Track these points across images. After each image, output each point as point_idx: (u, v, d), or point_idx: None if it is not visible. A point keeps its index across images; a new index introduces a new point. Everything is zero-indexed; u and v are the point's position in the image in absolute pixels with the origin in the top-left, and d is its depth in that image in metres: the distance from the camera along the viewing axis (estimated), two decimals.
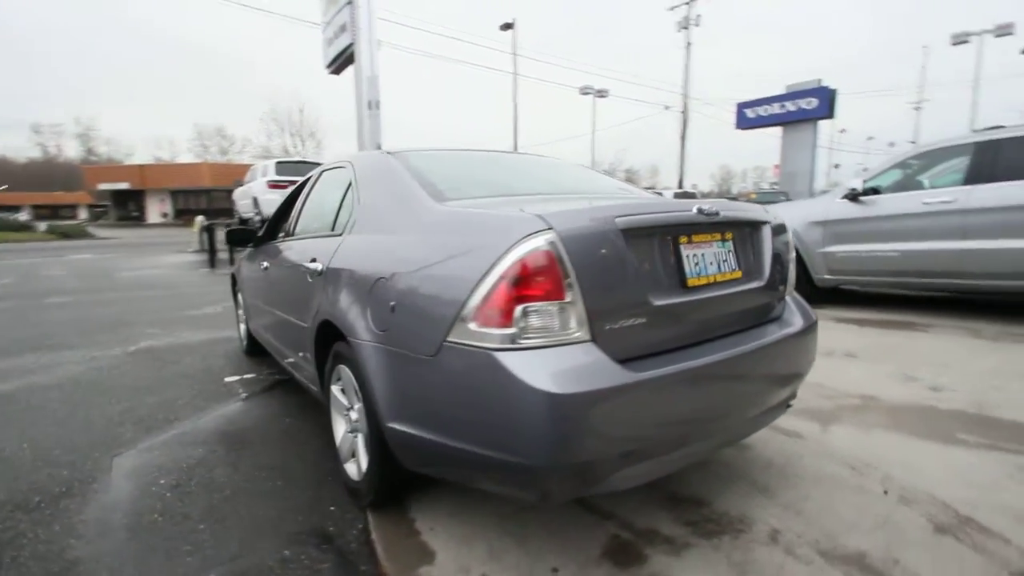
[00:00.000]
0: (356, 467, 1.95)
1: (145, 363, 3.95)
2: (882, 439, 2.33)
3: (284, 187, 11.40)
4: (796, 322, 1.84)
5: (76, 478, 2.21)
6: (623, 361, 1.33)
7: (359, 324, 1.70)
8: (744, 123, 27.77)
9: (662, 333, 1.47)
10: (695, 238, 1.58)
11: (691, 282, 1.53)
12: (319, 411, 2.91)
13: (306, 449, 2.45)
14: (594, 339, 1.32)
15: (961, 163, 4.56)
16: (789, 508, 1.82)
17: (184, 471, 2.26)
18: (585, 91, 26.04)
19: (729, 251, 1.69)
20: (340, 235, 2.07)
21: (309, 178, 3.06)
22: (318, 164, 12.16)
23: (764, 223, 1.84)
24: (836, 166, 54.52)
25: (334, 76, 15.38)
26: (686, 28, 27.68)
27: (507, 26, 21.01)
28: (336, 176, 2.50)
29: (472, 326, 1.31)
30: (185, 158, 46.39)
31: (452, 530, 1.77)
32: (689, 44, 28.19)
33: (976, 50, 21.22)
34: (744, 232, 1.77)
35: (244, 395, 3.21)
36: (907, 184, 4.91)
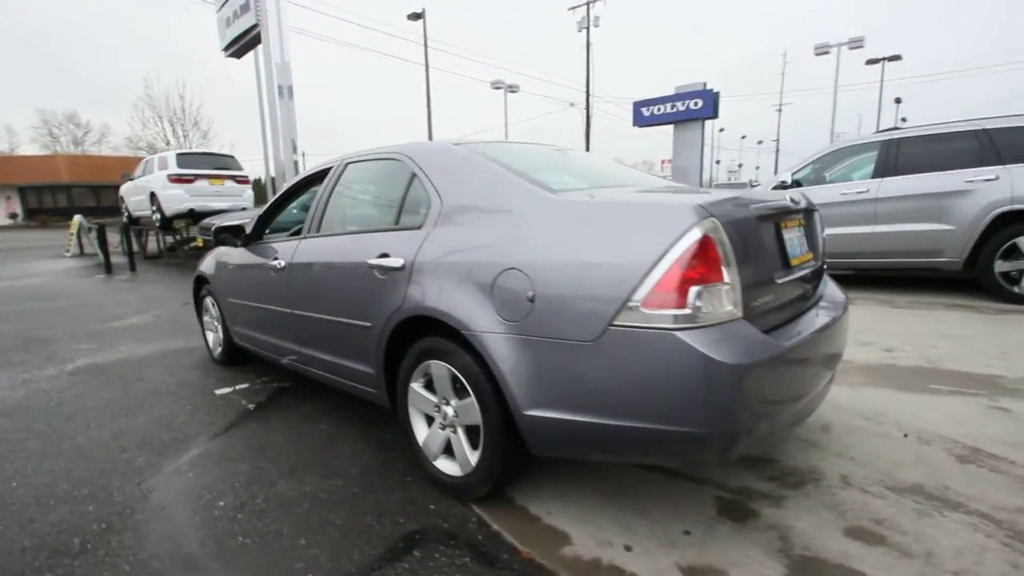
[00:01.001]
0: (454, 463, 1.94)
1: (100, 382, 3.47)
2: (874, 394, 2.74)
3: (189, 181, 10.34)
4: (840, 297, 2.13)
5: (110, 512, 1.95)
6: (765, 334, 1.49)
7: (478, 315, 1.70)
8: (640, 121, 29.54)
9: (779, 309, 1.65)
10: (788, 223, 1.79)
11: (793, 261, 1.74)
12: (353, 413, 2.80)
13: (363, 453, 2.36)
14: (745, 316, 1.46)
15: (870, 158, 5.35)
16: (842, 456, 2.11)
17: (240, 490, 2.08)
18: (496, 85, 26.25)
19: (802, 235, 1.93)
20: (419, 228, 2.02)
21: (317, 174, 2.90)
22: (228, 156, 11.18)
23: (815, 210, 2.10)
24: (717, 162, 60.06)
25: (232, 60, 14.12)
26: (586, 28, 28.94)
27: (416, 16, 20.53)
28: (383, 169, 2.40)
29: (645, 309, 1.39)
30: (29, 149, 39.65)
31: (568, 512, 1.84)
32: (589, 44, 29.53)
33: (835, 59, 24.64)
34: (807, 218, 2.02)
35: (251, 407, 2.97)
36: (827, 177, 5.66)
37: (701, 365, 1.35)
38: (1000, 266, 4.58)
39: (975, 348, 3.37)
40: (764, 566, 1.52)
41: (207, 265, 3.75)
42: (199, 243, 9.40)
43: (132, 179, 11.97)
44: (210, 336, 3.93)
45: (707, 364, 1.34)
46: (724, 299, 1.42)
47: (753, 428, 1.43)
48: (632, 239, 1.45)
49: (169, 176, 10.20)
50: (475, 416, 1.80)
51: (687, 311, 1.37)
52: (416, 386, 2.04)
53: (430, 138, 21.85)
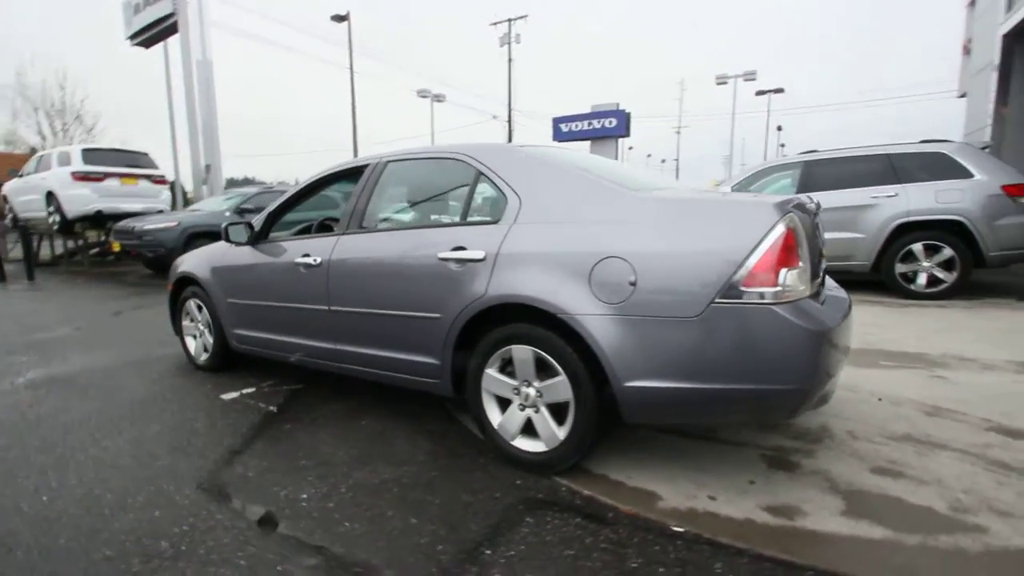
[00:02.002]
0: (535, 441, 2.09)
1: (73, 394, 3.16)
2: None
3: (97, 179, 9.34)
4: (844, 295, 2.54)
5: (185, 514, 1.87)
6: None
7: (576, 300, 1.88)
8: (560, 136, 30.88)
9: (817, 293, 2.00)
10: (816, 220, 2.16)
11: (822, 252, 2.11)
12: (387, 408, 2.83)
13: (420, 443, 2.41)
14: (808, 295, 1.79)
15: (794, 176, 6.18)
16: (840, 417, 2.53)
17: (317, 483, 2.07)
18: (423, 94, 26.16)
19: (821, 232, 2.32)
20: (495, 223, 2.16)
21: (337, 173, 2.93)
22: (142, 154, 10.27)
23: (819, 211, 2.52)
24: None
25: (125, 49, 13.00)
26: (508, 44, 29.79)
27: (340, 18, 20.00)
28: (439, 168, 2.49)
29: (744, 288, 1.67)
30: None
31: (644, 475, 2.06)
32: (511, 60, 30.42)
33: (732, 89, 27.57)
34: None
35: (271, 409, 2.88)
36: (761, 190, 6.44)
37: (793, 332, 1.64)
38: (899, 268, 5.50)
39: (899, 333, 4.06)
40: (825, 500, 1.84)
41: (194, 266, 3.54)
42: (115, 248, 8.51)
43: (20, 176, 10.54)
44: (191, 342, 3.70)
45: (797, 331, 1.64)
46: (800, 280, 1.73)
47: (818, 389, 1.75)
48: (730, 230, 1.73)
49: (73, 174, 9.13)
50: (564, 394, 1.98)
51: (778, 289, 1.66)
52: (492, 371, 2.17)
53: (355, 142, 21.29)
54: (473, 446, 2.37)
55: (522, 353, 2.06)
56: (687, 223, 1.82)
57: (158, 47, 13.74)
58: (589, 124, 29.44)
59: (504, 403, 2.20)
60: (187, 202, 13.12)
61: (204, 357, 3.59)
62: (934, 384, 2.94)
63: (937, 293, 5.36)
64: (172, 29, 11.61)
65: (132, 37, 12.38)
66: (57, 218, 9.45)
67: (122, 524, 1.81)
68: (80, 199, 9.22)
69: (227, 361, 3.53)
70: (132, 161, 9.95)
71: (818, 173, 5.95)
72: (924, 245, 5.37)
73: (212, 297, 3.38)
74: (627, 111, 28.76)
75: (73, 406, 2.96)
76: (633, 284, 1.80)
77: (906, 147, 5.64)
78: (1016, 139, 7.77)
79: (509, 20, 29.83)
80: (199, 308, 3.57)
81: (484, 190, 2.30)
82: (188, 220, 8.40)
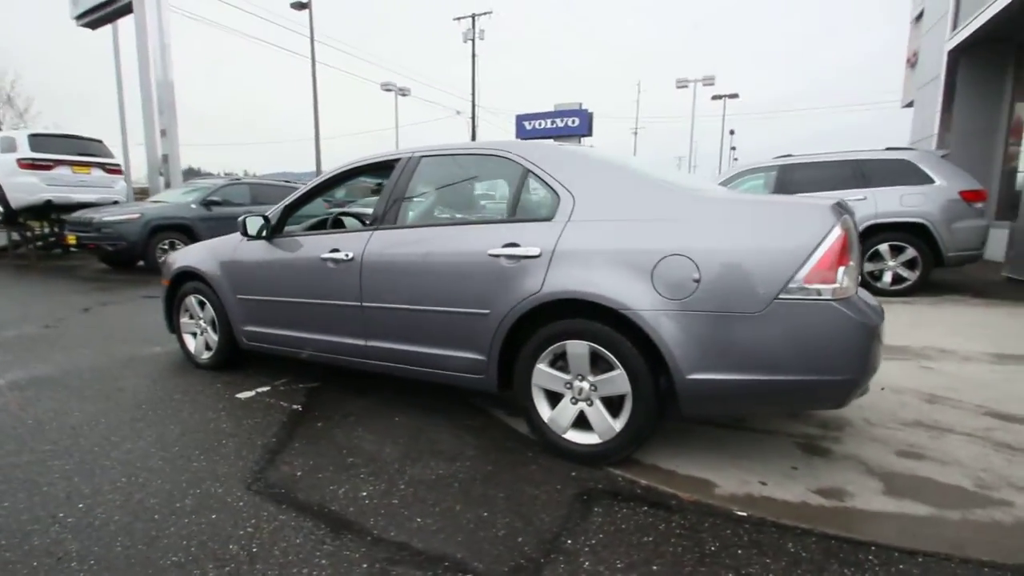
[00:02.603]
0: (589, 433, 2.13)
1: (68, 395, 2.97)
2: None
3: (47, 168, 8.72)
4: (873, 301, 2.70)
5: (245, 516, 1.81)
6: None
7: (638, 296, 1.93)
8: (523, 133, 31.06)
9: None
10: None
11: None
12: (417, 406, 2.82)
13: (464, 439, 2.42)
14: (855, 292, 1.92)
15: (770, 179, 6.48)
16: (853, 405, 2.70)
17: (372, 479, 2.04)
18: (387, 87, 25.61)
19: None
20: (548, 220, 2.19)
21: (359, 168, 2.89)
22: (95, 141, 9.67)
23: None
24: None
25: (86, 30, 12.16)
26: (471, 40, 29.60)
27: (301, 5, 19.31)
28: (481, 165, 2.49)
29: (806, 285, 1.77)
30: None
31: (693, 465, 2.15)
32: (475, 56, 30.26)
33: (692, 92, 28.48)
34: None
35: (296, 407, 2.80)
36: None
37: (850, 326, 1.76)
38: (866, 267, 5.88)
39: None
40: (865, 482, 1.98)
41: (196, 261, 3.38)
42: (70, 241, 7.95)
43: None
44: (190, 340, 3.53)
45: (854, 326, 1.76)
46: (851, 278, 1.85)
47: (866, 380, 1.88)
48: (792, 231, 1.83)
49: (19, 161, 8.46)
50: (621, 387, 2.03)
51: (836, 286, 1.78)
52: (543, 366, 2.20)
53: (317, 133, 20.63)
54: (516, 440, 2.40)
55: (578, 348, 2.10)
56: (749, 223, 1.91)
57: (105, 29, 12.89)
58: (552, 123, 29.77)
59: (553, 397, 2.23)
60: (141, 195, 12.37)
61: (206, 355, 3.44)
62: (925, 374, 3.19)
63: (901, 290, 5.77)
64: (125, 10, 10.92)
65: (79, 17, 11.55)
66: (0, 208, 8.74)
67: (179, 528, 1.74)
68: (26, 188, 8.57)
69: (231, 359, 3.40)
70: (84, 149, 9.31)
71: (792, 177, 6.27)
72: (890, 245, 5.77)
73: (219, 293, 3.24)
74: (590, 111, 29.25)
75: (72, 408, 2.78)
76: (697, 281, 1.88)
77: (873, 154, 6.03)
78: (959, 148, 8.42)
79: (473, 16, 29.66)
80: (201, 304, 3.42)
81: (532, 187, 2.33)
82: (152, 212, 7.96)
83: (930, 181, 5.66)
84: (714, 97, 29.61)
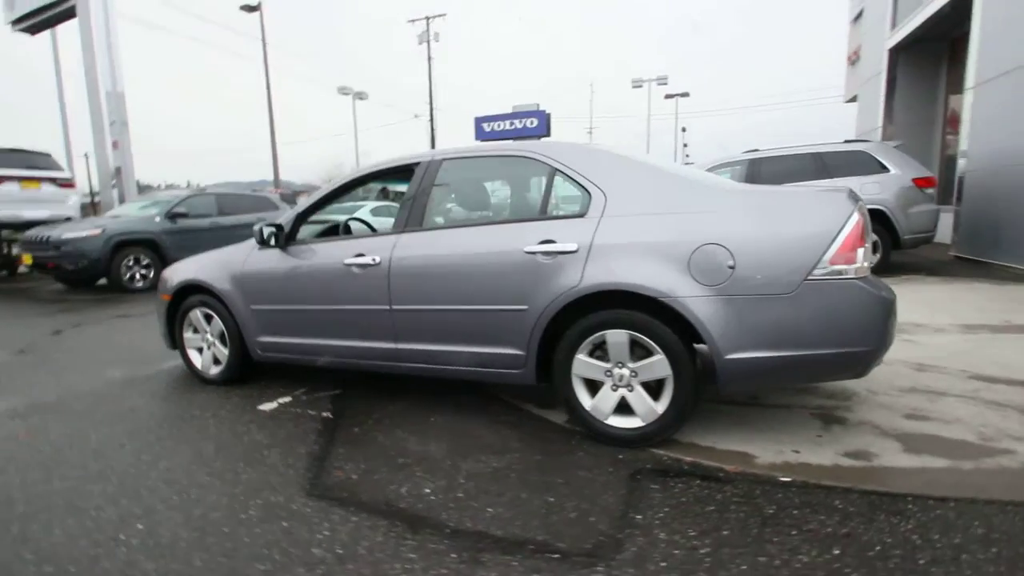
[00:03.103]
0: (631, 417, 2.25)
1: (76, 420, 2.86)
2: None
3: None
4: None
5: (318, 524, 1.83)
6: None
7: (676, 284, 2.06)
8: (482, 135, 31.14)
9: None
10: None
11: None
12: (447, 405, 2.86)
13: (505, 433, 2.49)
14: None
15: (740, 172, 6.82)
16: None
17: (429, 478, 2.09)
18: (344, 91, 25.12)
19: None
20: (581, 217, 2.29)
21: (374, 174, 2.93)
22: (43, 154, 9.15)
23: None
24: None
25: (23, 35, 11.45)
26: (427, 42, 29.49)
27: (251, 8, 18.74)
28: (507, 166, 2.57)
29: (832, 265, 1.94)
30: None
31: (727, 440, 2.29)
32: (430, 58, 30.15)
33: (647, 92, 29.35)
34: None
35: (326, 415, 2.80)
36: None
37: (872, 301, 1.95)
38: None
39: None
40: (885, 443, 2.18)
41: (203, 272, 3.30)
42: (26, 261, 7.48)
43: None
44: (196, 355, 3.44)
45: (875, 300, 1.95)
46: (867, 258, 2.04)
47: (885, 350, 2.07)
48: (817, 218, 2.00)
49: None
50: (661, 371, 2.16)
51: (857, 265, 1.96)
52: (582, 356, 2.30)
53: (272, 138, 20.02)
54: (555, 430, 2.49)
55: (618, 337, 2.21)
56: (775, 212, 2.07)
57: (45, 34, 12.16)
58: (511, 124, 29.97)
59: (591, 385, 2.34)
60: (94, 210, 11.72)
61: (216, 370, 3.36)
62: (908, 346, 3.48)
63: None
64: (68, 14, 10.35)
65: (16, 22, 10.86)
66: None
67: (253, 539, 1.74)
68: None
69: (243, 373, 3.35)
70: (31, 162, 8.78)
71: (759, 170, 6.63)
72: None
73: (230, 305, 3.18)
74: (547, 112, 29.63)
75: (87, 431, 2.68)
76: (732, 268, 2.02)
77: (834, 146, 6.44)
78: (902, 139, 9.08)
79: (427, 18, 29.54)
80: (207, 318, 3.34)
81: (563, 186, 2.42)
82: (114, 227, 7.61)
83: (886, 170, 6.11)
84: (667, 96, 30.68)
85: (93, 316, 5.95)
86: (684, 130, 40.60)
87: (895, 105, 9.46)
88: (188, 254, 9.17)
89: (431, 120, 30.23)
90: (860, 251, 1.97)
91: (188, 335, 3.45)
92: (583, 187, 2.35)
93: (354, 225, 3.69)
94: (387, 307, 2.67)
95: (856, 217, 1.98)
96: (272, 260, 3.05)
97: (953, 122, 8.93)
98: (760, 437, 2.30)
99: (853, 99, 13.60)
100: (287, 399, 3.06)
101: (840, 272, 1.95)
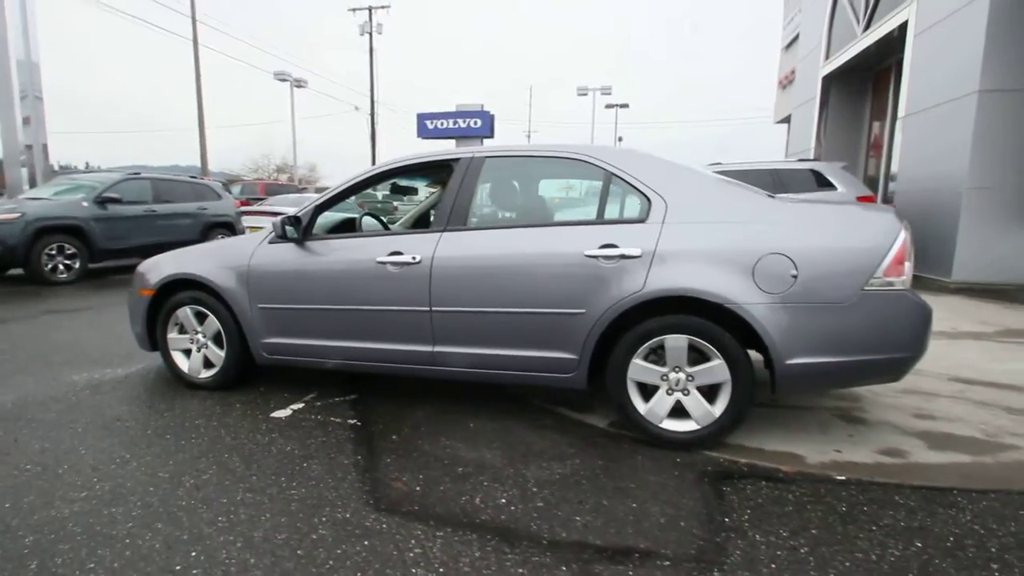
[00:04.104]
0: (686, 421, 2.29)
1: (47, 433, 2.49)
2: None
3: None
4: None
5: (402, 540, 1.71)
6: None
7: (741, 291, 2.13)
8: (424, 133, 30.56)
9: None
10: None
11: None
12: (480, 409, 2.79)
13: (553, 437, 2.45)
14: None
15: None
16: None
17: (497, 487, 2.01)
18: (281, 77, 23.62)
19: None
20: (642, 222, 2.30)
21: (421, 166, 2.79)
22: None
23: None
24: None
25: None
26: (369, 34, 28.54)
27: None
28: (557, 167, 2.52)
29: (885, 277, 2.08)
30: None
31: (772, 442, 2.39)
32: (372, 50, 29.20)
33: (592, 100, 30.17)
34: None
35: (353, 423, 2.62)
36: None
37: (917, 310, 2.11)
38: None
39: None
40: (910, 442, 2.37)
41: (198, 267, 2.99)
42: None
43: None
44: (182, 358, 3.11)
45: (921, 310, 2.12)
46: (911, 272, 2.21)
47: (921, 356, 2.25)
48: (869, 232, 2.13)
49: None
50: (720, 376, 2.22)
51: (904, 278, 2.12)
52: (639, 360, 2.31)
53: (201, 122, 18.49)
54: (601, 434, 2.49)
55: (677, 341, 2.25)
56: (832, 225, 2.19)
57: None
58: (455, 123, 29.65)
59: (643, 389, 2.36)
60: None
61: (208, 374, 3.06)
62: None
63: None
64: None
65: None
66: None
67: (338, 561, 1.59)
68: None
69: (241, 377, 3.07)
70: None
71: None
72: None
73: (232, 303, 2.90)
74: (492, 113, 29.63)
75: (73, 444, 2.34)
76: (794, 276, 2.12)
77: (788, 164, 6.95)
78: (832, 160, 9.97)
79: (369, 8, 28.60)
80: (198, 316, 3.03)
81: (620, 191, 2.42)
82: (34, 211, 6.72)
83: (833, 188, 6.66)
84: (608, 106, 31.73)
85: (18, 312, 5.21)
86: (621, 139, 42.17)
87: (826, 128, 10.37)
88: (120, 244, 8.33)
89: (372, 114, 29.33)
90: (907, 265, 2.14)
91: (173, 336, 3.11)
92: (641, 193, 2.36)
93: (367, 222, 3.50)
94: (426, 308, 2.54)
95: (904, 234, 2.14)
96: (287, 255, 2.82)
97: (876, 147, 9.95)
98: (798, 437, 2.43)
99: (783, 120, 14.76)
100: (299, 405, 2.84)
101: (891, 284, 2.10)
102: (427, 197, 4.12)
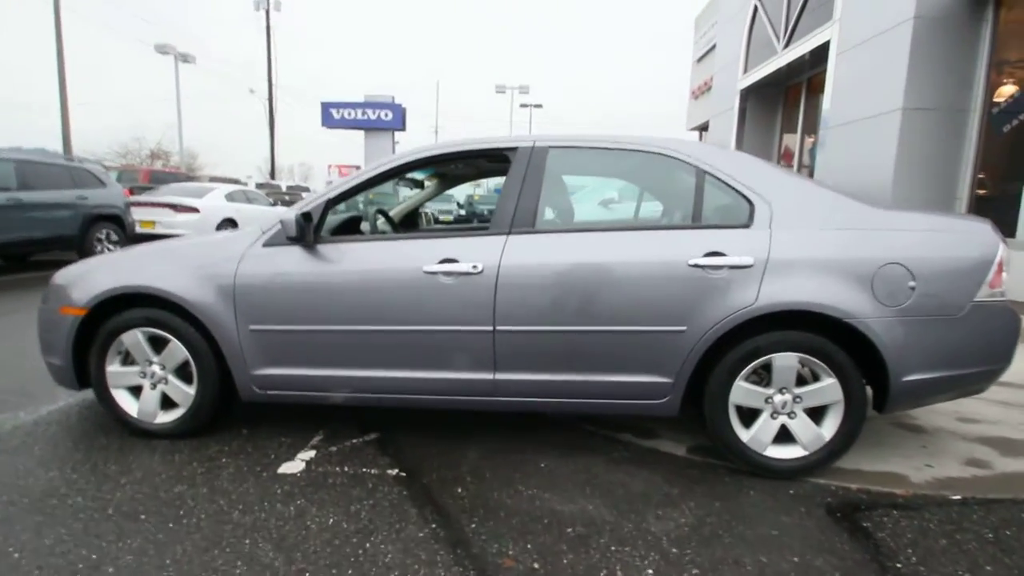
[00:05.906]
0: (792, 447, 2.08)
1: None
2: None
3: None
4: None
5: None
6: None
7: (863, 304, 1.95)
8: (330, 122, 28.61)
9: None
10: None
11: None
12: (535, 442, 2.41)
13: (635, 473, 2.12)
14: None
15: None
16: None
17: (633, 550, 1.65)
18: (164, 50, 20.46)
19: None
20: (744, 227, 2.04)
21: (464, 152, 2.32)
22: None
23: None
24: None
25: None
26: (266, 9, 25.98)
27: None
28: (639, 163, 2.17)
29: (991, 290, 2.02)
30: None
31: (867, 463, 2.24)
32: (269, 28, 26.64)
33: (509, 98, 29.90)
34: None
35: (394, 472, 2.09)
36: None
37: (1017, 322, 2.08)
38: None
39: None
40: (981, 449, 2.36)
41: (157, 276, 2.24)
42: None
43: None
44: (127, 398, 2.35)
45: (1019, 321, 2.09)
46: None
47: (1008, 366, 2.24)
48: (974, 243, 2.05)
49: None
50: (831, 396, 2.04)
51: (1004, 289, 2.08)
52: (742, 382, 2.06)
53: (63, 97, 15.41)
54: (688, 465, 2.22)
55: (787, 360, 2.03)
56: (941, 236, 2.08)
57: None
58: (363, 113, 28.02)
59: (741, 414, 2.12)
60: None
61: (168, 417, 2.33)
62: None
63: None
64: None
65: None
66: None
67: None
68: None
69: (213, 419, 2.37)
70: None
71: None
72: None
73: (210, 324, 2.21)
74: (403, 106, 28.44)
75: (45, 530, 1.58)
76: (912, 288, 1.99)
77: None
78: None
79: None
80: (152, 343, 2.29)
81: (716, 192, 2.14)
82: None
83: None
84: (522, 105, 31.76)
85: None
86: None
87: (744, 138, 11.09)
88: None
89: (269, 98, 26.82)
90: (1005, 276, 2.10)
91: (115, 368, 2.32)
92: (742, 194, 2.11)
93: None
94: (488, 328, 2.09)
95: (1002, 246, 2.10)
96: (292, 262, 2.19)
97: (787, 156, 10.81)
98: (878, 453, 2.33)
99: (696, 128, 15.67)
100: (310, 453, 2.23)
101: (995, 295, 2.05)
102: (411, 196, 3.58)
